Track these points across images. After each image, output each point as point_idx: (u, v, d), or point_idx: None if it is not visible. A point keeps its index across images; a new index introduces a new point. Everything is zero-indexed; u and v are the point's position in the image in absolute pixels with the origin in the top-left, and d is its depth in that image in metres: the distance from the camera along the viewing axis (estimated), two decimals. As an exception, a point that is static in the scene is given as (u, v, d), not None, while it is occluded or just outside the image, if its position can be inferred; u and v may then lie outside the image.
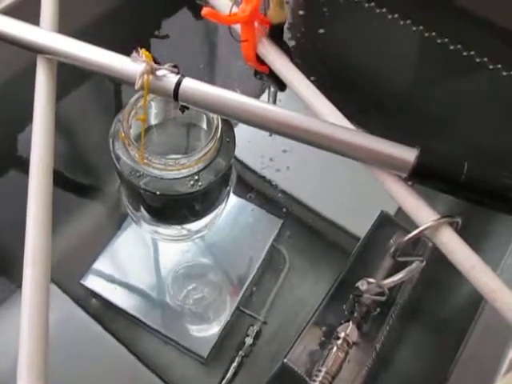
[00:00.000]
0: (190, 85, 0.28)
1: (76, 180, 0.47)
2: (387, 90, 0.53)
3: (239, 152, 0.47)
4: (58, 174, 0.46)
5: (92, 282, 0.40)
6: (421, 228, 0.25)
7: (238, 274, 0.41)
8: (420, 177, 0.26)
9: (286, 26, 0.33)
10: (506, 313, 0.24)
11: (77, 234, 0.44)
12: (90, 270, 0.40)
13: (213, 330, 0.39)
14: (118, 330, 0.38)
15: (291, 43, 0.54)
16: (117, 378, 0.38)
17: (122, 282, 0.41)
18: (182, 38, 0.55)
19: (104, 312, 0.40)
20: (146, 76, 0.27)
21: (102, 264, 0.41)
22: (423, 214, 0.26)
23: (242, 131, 0.46)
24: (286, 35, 0.36)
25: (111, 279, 0.41)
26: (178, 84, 0.27)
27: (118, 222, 0.43)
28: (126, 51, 0.29)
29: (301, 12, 0.56)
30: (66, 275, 0.40)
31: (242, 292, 0.40)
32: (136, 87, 0.27)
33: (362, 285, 0.31)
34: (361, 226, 0.42)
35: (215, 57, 0.56)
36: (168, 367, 0.38)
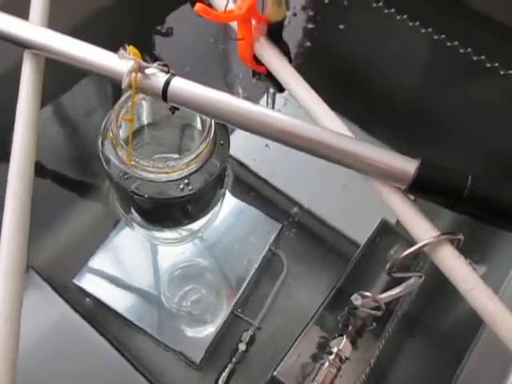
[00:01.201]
0: (180, 84, 0.26)
1: (71, 178, 0.46)
2: (394, 93, 0.52)
3: (238, 153, 0.47)
4: (53, 171, 0.45)
5: (85, 282, 0.39)
6: (419, 245, 0.24)
7: (234, 276, 0.40)
8: (420, 189, 0.24)
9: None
10: (506, 339, 0.22)
11: (72, 232, 0.43)
12: (84, 269, 0.39)
13: (206, 334, 0.38)
14: (110, 332, 0.38)
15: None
16: (106, 380, 0.37)
17: (116, 281, 0.40)
18: (184, 35, 0.54)
19: (96, 312, 0.39)
20: (133, 74, 0.26)
21: (96, 263, 0.40)
22: (422, 229, 0.24)
23: (242, 131, 0.45)
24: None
25: (105, 279, 0.40)
26: (167, 83, 0.26)
27: (114, 220, 0.42)
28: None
29: (309, 12, 0.54)
30: (60, 274, 0.40)
31: (238, 295, 0.39)
32: (123, 86, 0.26)
33: (356, 299, 0.30)
34: (361, 233, 0.41)
35: (218, 54, 0.54)
36: (160, 371, 0.38)
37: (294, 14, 0.54)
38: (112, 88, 0.47)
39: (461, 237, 0.24)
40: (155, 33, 0.52)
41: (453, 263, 0.23)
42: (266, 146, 0.46)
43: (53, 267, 0.40)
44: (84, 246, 0.41)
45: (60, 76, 0.43)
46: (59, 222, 0.43)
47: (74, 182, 0.46)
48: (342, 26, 0.53)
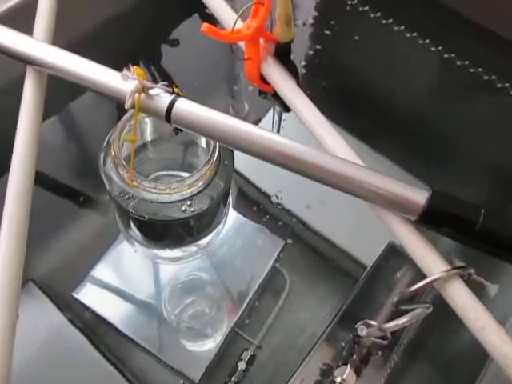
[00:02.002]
0: (184, 106, 0.26)
1: (73, 190, 0.46)
2: (402, 111, 0.51)
3: (242, 167, 0.46)
4: (55, 183, 0.45)
5: (85, 295, 0.38)
6: (428, 280, 0.23)
7: (236, 292, 0.40)
8: (431, 221, 0.24)
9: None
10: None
11: (72, 244, 0.42)
12: (84, 282, 0.39)
13: (206, 352, 0.37)
14: (108, 346, 0.37)
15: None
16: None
17: (116, 295, 0.39)
18: (191, 48, 0.53)
19: (95, 326, 0.38)
20: (136, 95, 0.25)
21: (96, 276, 0.39)
22: (431, 262, 0.23)
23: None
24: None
25: (105, 292, 0.39)
26: (172, 104, 0.25)
27: (114, 234, 0.41)
28: (133, 61, 0.27)
29: (317, 30, 0.54)
30: (59, 287, 0.39)
31: (240, 312, 0.38)
32: (126, 106, 0.25)
33: (362, 330, 0.29)
34: (367, 253, 0.40)
35: (225, 69, 0.54)
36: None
37: (303, 24, 0.53)
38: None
39: (472, 271, 0.23)
40: (163, 43, 0.52)
41: (464, 300, 0.23)
42: (269, 165, 0.45)
43: (52, 280, 0.40)
44: (84, 259, 0.41)
45: (65, 89, 0.42)
46: (59, 235, 0.43)
47: (75, 194, 0.45)
48: (350, 43, 0.53)
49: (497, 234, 0.23)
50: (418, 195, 0.23)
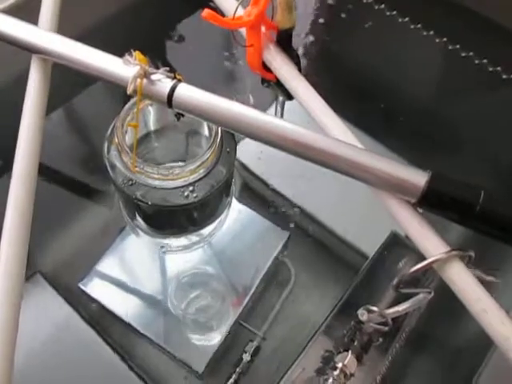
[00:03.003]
0: (185, 91, 0.26)
1: (79, 183, 0.46)
2: (406, 103, 0.51)
3: (246, 159, 0.46)
4: (61, 176, 0.45)
5: (91, 286, 0.39)
6: (428, 261, 0.23)
7: (241, 284, 0.40)
8: (430, 203, 0.24)
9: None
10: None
11: (78, 236, 0.43)
12: (90, 274, 0.39)
13: (211, 343, 0.37)
14: (114, 337, 0.38)
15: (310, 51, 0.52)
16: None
17: (122, 287, 0.40)
18: (196, 42, 0.54)
19: (101, 318, 0.39)
20: (138, 80, 0.25)
21: (102, 268, 0.40)
22: (431, 244, 0.23)
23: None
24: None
25: (111, 284, 0.40)
26: (173, 90, 0.26)
27: (121, 226, 0.41)
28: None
29: (320, 20, 0.54)
30: (66, 278, 0.39)
31: (244, 304, 0.39)
32: (128, 92, 0.26)
33: (362, 315, 0.29)
34: (370, 244, 0.40)
35: (229, 61, 0.54)
36: (163, 379, 0.37)
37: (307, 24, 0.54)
38: (123, 93, 0.47)
39: (472, 253, 0.23)
40: (168, 38, 0.52)
41: (464, 282, 0.22)
42: (272, 157, 0.45)
43: (59, 271, 0.40)
44: (90, 251, 0.41)
45: (70, 81, 0.43)
46: (66, 227, 0.43)
47: (81, 186, 0.46)
48: (353, 35, 0.53)
49: (497, 216, 0.22)
50: (418, 177, 0.23)
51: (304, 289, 0.41)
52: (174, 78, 0.26)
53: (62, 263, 0.41)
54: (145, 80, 0.26)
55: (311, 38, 0.53)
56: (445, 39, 0.51)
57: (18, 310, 0.24)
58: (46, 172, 0.44)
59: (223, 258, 0.41)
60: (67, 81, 0.36)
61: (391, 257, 0.39)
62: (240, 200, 0.43)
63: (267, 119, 0.25)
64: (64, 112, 0.49)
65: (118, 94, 0.48)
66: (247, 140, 0.47)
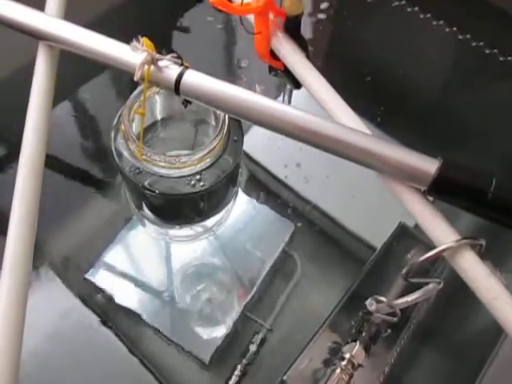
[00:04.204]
0: (193, 77, 0.26)
1: (86, 173, 0.46)
2: (416, 93, 0.50)
3: (253, 151, 0.46)
4: (68, 166, 0.45)
5: (98, 277, 0.39)
6: (438, 249, 0.22)
7: (247, 276, 0.40)
8: (441, 191, 0.23)
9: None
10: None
11: (85, 227, 0.43)
12: (97, 265, 0.39)
13: (217, 334, 0.37)
14: (120, 328, 0.38)
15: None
16: (115, 376, 0.37)
17: (129, 278, 0.40)
18: (202, 32, 0.53)
19: (108, 308, 0.39)
20: (146, 66, 0.25)
21: (109, 259, 0.40)
22: (442, 232, 0.23)
23: (259, 128, 0.44)
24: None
25: (118, 275, 0.40)
26: (180, 76, 0.25)
27: (127, 216, 0.41)
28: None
29: (328, 8, 0.53)
30: (72, 269, 0.40)
31: (250, 296, 0.39)
32: (135, 78, 0.26)
33: (371, 305, 0.29)
34: (378, 237, 0.40)
35: (236, 51, 0.54)
36: (169, 370, 0.37)
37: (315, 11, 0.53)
38: (130, 82, 0.47)
39: (483, 242, 0.23)
40: (174, 28, 0.52)
41: (474, 270, 0.22)
42: (279, 148, 0.45)
43: (66, 262, 0.40)
44: (97, 242, 0.41)
45: (77, 71, 0.43)
46: (73, 217, 0.43)
47: (88, 177, 0.46)
48: (363, 25, 0.52)
49: (509, 203, 0.22)
50: (429, 164, 0.23)
51: (311, 281, 0.41)
52: (182, 64, 0.26)
53: (69, 254, 0.41)
54: (152, 66, 0.26)
55: (320, 26, 0.52)
56: (455, 29, 0.50)
57: (25, 301, 0.24)
58: (53, 162, 0.44)
59: (229, 249, 0.41)
60: (74, 73, 0.35)
61: (399, 248, 0.38)
62: (246, 192, 0.43)
63: (275, 105, 0.25)
64: (71, 103, 0.48)
65: (124, 84, 0.48)
66: (254, 130, 0.47)
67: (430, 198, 0.24)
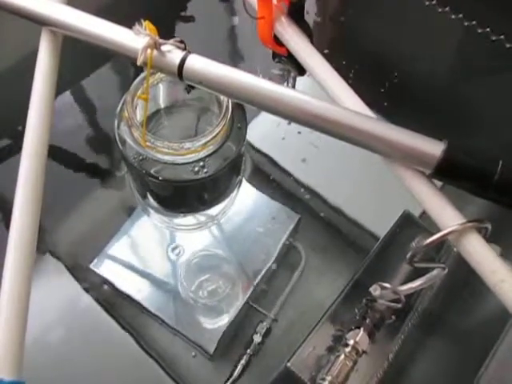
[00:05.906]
0: (196, 62, 0.25)
1: (91, 164, 0.46)
2: (421, 81, 0.50)
3: (257, 141, 0.46)
4: (73, 157, 0.45)
5: (102, 268, 0.39)
6: (443, 232, 0.22)
7: (251, 267, 0.40)
8: (446, 174, 0.23)
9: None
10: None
11: (90, 217, 0.43)
12: (101, 255, 0.39)
13: (221, 324, 0.38)
14: (124, 318, 0.38)
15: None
16: (120, 365, 0.37)
17: (133, 268, 0.40)
18: (206, 20, 0.53)
19: (112, 298, 0.39)
20: (149, 51, 0.25)
21: (113, 249, 0.40)
22: (447, 216, 0.23)
23: (263, 119, 0.44)
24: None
25: (122, 265, 0.40)
26: (183, 61, 0.25)
27: (131, 207, 0.42)
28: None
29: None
30: (77, 259, 0.40)
31: (254, 286, 0.39)
32: (138, 63, 0.25)
33: (375, 290, 0.29)
34: (382, 227, 0.39)
35: (240, 40, 0.53)
36: (174, 360, 0.37)
37: None
38: (133, 72, 0.46)
39: (488, 225, 0.23)
40: (178, 18, 0.52)
41: (480, 253, 0.22)
42: (283, 138, 0.45)
43: (71, 252, 0.40)
44: (102, 232, 0.41)
45: (80, 61, 0.42)
46: (78, 208, 0.43)
47: (93, 168, 0.46)
48: (370, 13, 0.52)
49: (515, 186, 0.22)
50: (434, 147, 0.23)
51: (315, 271, 0.41)
52: (185, 48, 0.26)
53: (73, 244, 0.41)
54: (155, 51, 0.25)
55: (326, 12, 0.52)
56: (460, 15, 0.49)
57: (29, 287, 0.24)
58: (57, 153, 0.44)
59: (233, 240, 0.41)
60: (77, 63, 0.35)
61: (404, 236, 0.38)
62: (250, 182, 0.43)
63: (280, 90, 0.25)
64: (73, 92, 0.48)
65: (127, 74, 0.48)
66: (258, 120, 0.47)
67: (437, 184, 0.24)
